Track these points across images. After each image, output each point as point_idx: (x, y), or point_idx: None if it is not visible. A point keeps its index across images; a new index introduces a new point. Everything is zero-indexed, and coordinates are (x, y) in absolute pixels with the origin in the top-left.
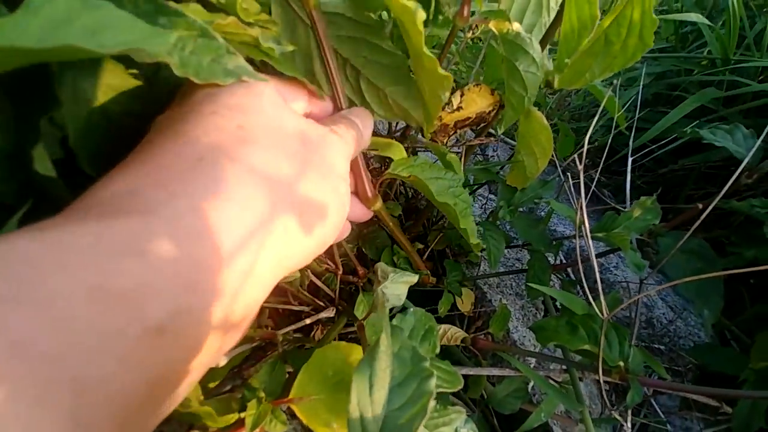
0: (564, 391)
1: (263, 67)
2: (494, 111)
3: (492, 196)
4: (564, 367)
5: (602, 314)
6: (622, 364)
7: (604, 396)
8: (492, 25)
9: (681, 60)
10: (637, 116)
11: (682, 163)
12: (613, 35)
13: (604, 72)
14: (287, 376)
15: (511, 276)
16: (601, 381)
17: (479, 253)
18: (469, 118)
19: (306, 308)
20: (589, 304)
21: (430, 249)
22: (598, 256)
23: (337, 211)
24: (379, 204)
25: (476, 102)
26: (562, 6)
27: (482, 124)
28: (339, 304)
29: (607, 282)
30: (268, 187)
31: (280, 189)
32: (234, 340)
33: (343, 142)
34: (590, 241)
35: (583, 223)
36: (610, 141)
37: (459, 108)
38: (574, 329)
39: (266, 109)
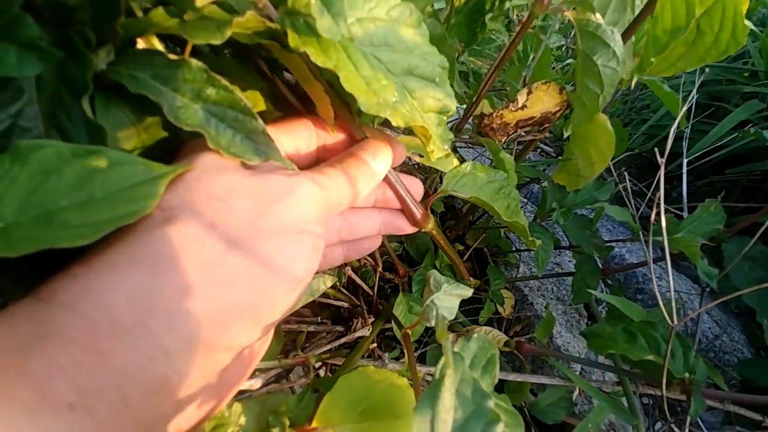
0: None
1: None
2: (560, 111)
3: (524, 199)
4: (606, 375)
5: (671, 321)
6: (687, 375)
7: (665, 409)
8: (571, 15)
9: (723, 70)
10: (691, 123)
11: (727, 174)
12: (705, 26)
13: (698, 62)
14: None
15: (551, 280)
16: (664, 394)
17: (517, 255)
18: (533, 117)
19: (344, 304)
20: None
21: (471, 250)
22: (639, 265)
23: (295, 265)
24: (431, 224)
25: (543, 101)
26: (646, 4)
27: (545, 125)
28: (378, 303)
29: (651, 293)
30: (178, 262)
31: (198, 261)
32: (205, 407)
33: (319, 189)
34: (664, 243)
35: (660, 220)
36: (670, 143)
37: (524, 107)
38: (633, 337)
39: (198, 178)
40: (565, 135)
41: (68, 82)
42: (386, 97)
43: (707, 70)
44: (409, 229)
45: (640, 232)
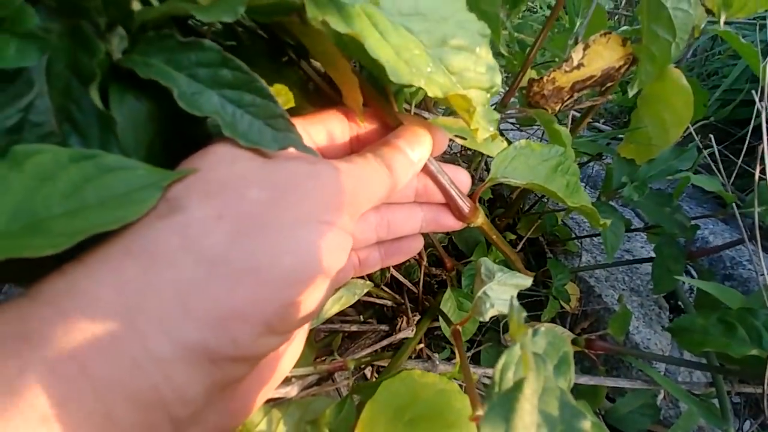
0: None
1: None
2: (625, 66)
3: (581, 183)
4: (694, 375)
5: None
6: None
7: (766, 408)
8: None
9: None
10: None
11: None
12: None
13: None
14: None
15: (621, 268)
16: (766, 390)
17: (578, 242)
18: (593, 77)
19: (388, 303)
20: None
21: (524, 240)
22: (729, 245)
23: (315, 260)
24: (481, 219)
25: (603, 56)
26: None
27: (608, 85)
28: (424, 300)
29: (740, 279)
30: (177, 255)
31: (200, 254)
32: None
33: (345, 177)
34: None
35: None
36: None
37: (580, 65)
38: (731, 329)
39: (211, 168)
40: (630, 94)
41: (78, 73)
42: (419, 67)
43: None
44: (456, 225)
45: (734, 204)
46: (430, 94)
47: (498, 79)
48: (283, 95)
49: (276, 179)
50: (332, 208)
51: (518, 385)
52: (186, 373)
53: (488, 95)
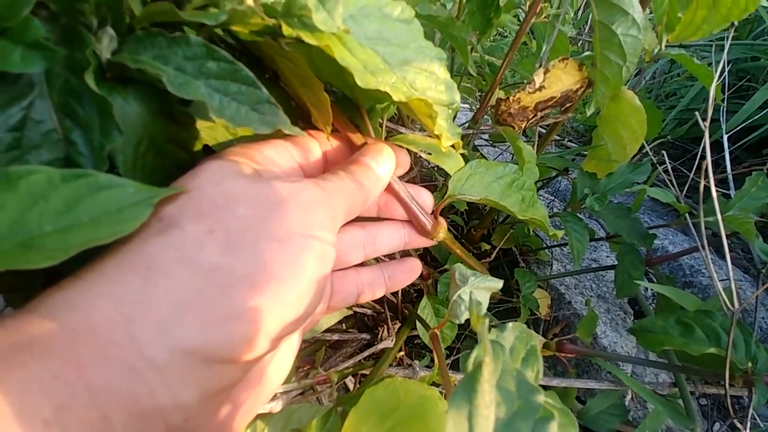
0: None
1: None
2: (582, 89)
3: (550, 197)
4: (660, 376)
5: (731, 306)
6: (750, 366)
7: (729, 405)
8: None
9: (747, 48)
10: (726, 96)
11: (765, 154)
12: None
13: (722, 22)
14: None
15: (589, 276)
16: (728, 389)
17: (549, 252)
18: (553, 98)
19: (368, 312)
20: None
21: (497, 250)
22: (686, 252)
23: (301, 270)
24: (443, 234)
25: (561, 79)
26: None
27: (567, 105)
28: (403, 309)
29: (699, 286)
30: (173, 267)
31: (195, 265)
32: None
33: (323, 193)
34: (717, 218)
35: (710, 194)
36: (711, 110)
37: (541, 87)
38: (689, 329)
39: (201, 188)
40: (588, 113)
41: (74, 68)
42: (384, 77)
43: (730, 46)
44: (421, 243)
45: (687, 215)
46: (395, 99)
47: (457, 96)
48: None
49: (261, 198)
50: (316, 223)
51: (477, 368)
52: (182, 377)
53: (449, 111)
